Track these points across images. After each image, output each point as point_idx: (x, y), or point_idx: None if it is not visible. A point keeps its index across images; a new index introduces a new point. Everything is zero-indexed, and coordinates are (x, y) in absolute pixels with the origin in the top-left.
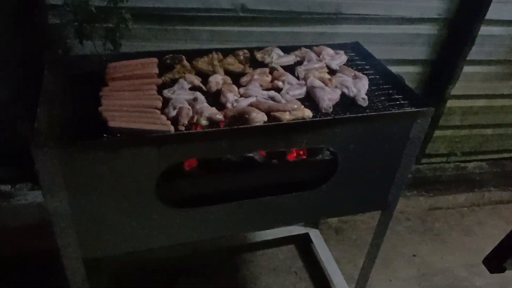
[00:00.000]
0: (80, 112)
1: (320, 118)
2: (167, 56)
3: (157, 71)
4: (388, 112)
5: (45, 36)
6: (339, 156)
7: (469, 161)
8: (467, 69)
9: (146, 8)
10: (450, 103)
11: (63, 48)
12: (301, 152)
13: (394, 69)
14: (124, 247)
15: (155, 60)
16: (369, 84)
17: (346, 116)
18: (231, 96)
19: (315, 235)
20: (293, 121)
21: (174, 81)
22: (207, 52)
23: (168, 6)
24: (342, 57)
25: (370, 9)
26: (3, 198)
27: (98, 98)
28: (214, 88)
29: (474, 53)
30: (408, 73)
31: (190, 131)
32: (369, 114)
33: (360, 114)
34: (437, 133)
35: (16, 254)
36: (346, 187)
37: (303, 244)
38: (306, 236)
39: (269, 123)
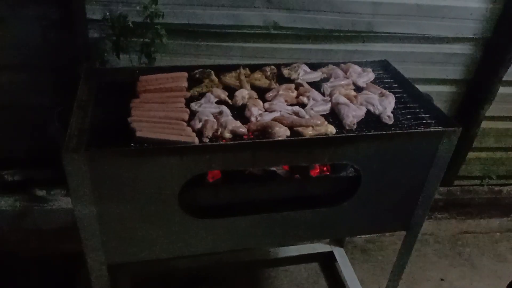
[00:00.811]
0: (111, 121)
1: (343, 135)
2: (197, 71)
3: (186, 84)
4: (413, 130)
5: (84, 48)
6: (362, 173)
7: (505, 185)
8: (502, 90)
9: (180, 24)
10: (484, 124)
11: (100, 60)
12: (325, 168)
13: (426, 88)
14: (147, 254)
15: (185, 74)
16: (395, 103)
17: (370, 133)
18: (256, 110)
19: (339, 253)
20: (315, 136)
21: (201, 95)
22: (235, 67)
23: (202, 23)
24: (370, 75)
25: (403, 27)
26: (37, 202)
27: (129, 108)
28: (239, 102)
29: (510, 74)
30: (441, 93)
31: (213, 143)
32: (393, 131)
33: (384, 132)
34: (471, 155)
35: (47, 255)
36: (368, 206)
37: (327, 263)
38: (330, 255)
39: (291, 138)
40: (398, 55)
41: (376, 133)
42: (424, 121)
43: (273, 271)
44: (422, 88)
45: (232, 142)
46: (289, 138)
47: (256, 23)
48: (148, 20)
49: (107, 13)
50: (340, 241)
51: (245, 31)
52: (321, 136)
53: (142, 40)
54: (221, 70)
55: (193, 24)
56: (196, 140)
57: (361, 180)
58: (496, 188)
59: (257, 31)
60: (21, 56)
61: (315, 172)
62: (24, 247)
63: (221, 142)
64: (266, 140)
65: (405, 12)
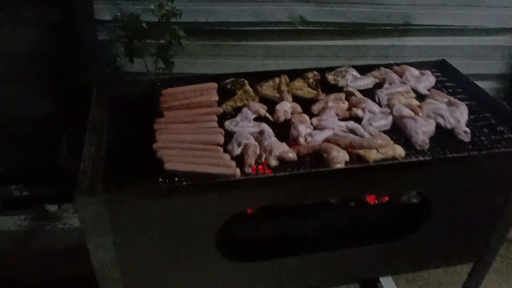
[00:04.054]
0: (131, 147)
1: (417, 159)
2: (228, 81)
3: (217, 98)
4: (500, 151)
5: (92, 53)
6: (434, 201)
7: None
8: None
9: (198, 23)
10: None
11: (111, 67)
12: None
13: None
14: None
15: (215, 85)
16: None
17: (449, 156)
18: (303, 129)
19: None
20: (383, 163)
21: (236, 110)
22: (270, 75)
23: (222, 20)
24: (430, 79)
25: (442, 19)
26: (49, 221)
27: (152, 130)
28: (282, 118)
29: None
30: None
31: (259, 176)
32: (478, 154)
33: (465, 154)
34: None
35: (57, 277)
36: (437, 237)
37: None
38: None
39: (354, 166)
40: (437, 49)
41: (457, 155)
42: (505, 136)
43: None
44: None
45: (283, 174)
46: (351, 167)
47: (281, 18)
48: (163, 19)
49: (118, 13)
50: None
51: (269, 28)
52: (389, 162)
53: (157, 42)
54: (254, 77)
55: (212, 22)
56: (238, 172)
57: (431, 208)
58: None
59: (282, 28)
60: (18, 65)
61: (371, 198)
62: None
63: (269, 175)
64: (324, 170)
65: (444, 2)
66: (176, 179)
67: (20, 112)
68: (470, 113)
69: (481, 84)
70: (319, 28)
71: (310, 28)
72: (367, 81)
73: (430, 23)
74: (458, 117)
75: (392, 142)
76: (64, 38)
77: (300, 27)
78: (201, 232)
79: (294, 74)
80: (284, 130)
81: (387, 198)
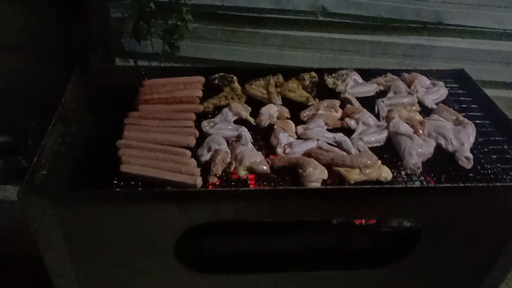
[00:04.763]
0: (99, 143)
1: (403, 186)
2: (216, 75)
3: (200, 94)
4: (500, 185)
5: (103, 31)
6: (423, 231)
7: None
8: None
9: (213, 7)
10: None
11: (117, 47)
12: None
13: (497, 93)
14: None
15: (201, 79)
16: (475, 134)
17: (441, 186)
18: (284, 138)
19: None
20: (363, 186)
21: (219, 109)
22: (267, 72)
23: (238, 5)
24: (441, 91)
25: (477, 20)
26: None
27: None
28: (266, 122)
29: None
30: None
31: (219, 189)
32: (474, 185)
33: (460, 184)
34: None
35: None
36: (425, 269)
37: None
38: None
39: (328, 187)
40: (469, 53)
41: (449, 185)
42: None
43: None
44: (492, 92)
45: (244, 188)
46: (326, 187)
47: (302, 7)
48: (173, 1)
49: None
50: None
51: (288, 16)
52: (370, 187)
53: (165, 23)
54: (249, 74)
55: (227, 7)
56: (198, 182)
57: (420, 237)
58: None
59: (302, 17)
60: (26, 39)
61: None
62: None
63: (229, 189)
64: (294, 188)
65: (482, 1)
66: (133, 183)
67: (23, 83)
68: (480, 134)
69: None
70: (342, 20)
71: (332, 20)
72: (369, 88)
73: (463, 24)
74: (463, 139)
75: (379, 162)
76: (72, 13)
77: (321, 18)
78: (158, 242)
79: (293, 74)
80: (266, 136)
81: (374, 220)
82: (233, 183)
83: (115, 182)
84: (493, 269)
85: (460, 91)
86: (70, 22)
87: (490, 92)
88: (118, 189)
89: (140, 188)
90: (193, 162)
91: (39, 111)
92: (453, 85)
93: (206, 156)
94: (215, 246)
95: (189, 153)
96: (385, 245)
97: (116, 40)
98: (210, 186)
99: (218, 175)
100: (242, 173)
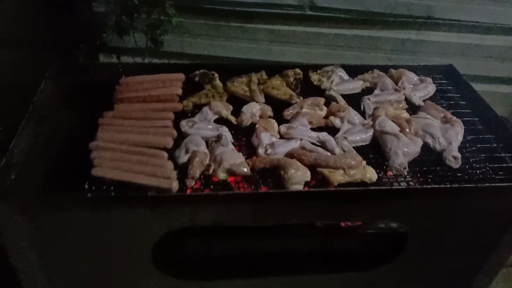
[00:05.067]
0: (72, 144)
1: (388, 187)
2: (196, 72)
3: (180, 91)
4: (489, 185)
5: (87, 25)
6: (410, 234)
7: None
8: None
9: (197, 1)
10: None
11: (99, 41)
12: None
13: (488, 88)
14: None
15: (181, 76)
16: (464, 132)
17: (427, 187)
18: (266, 138)
19: None
20: (347, 189)
21: (198, 107)
22: (254, 68)
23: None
24: (429, 88)
25: (469, 14)
26: None
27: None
28: (247, 121)
29: None
30: (509, 95)
31: (196, 193)
32: (461, 186)
33: (447, 185)
34: None
35: None
36: (412, 272)
37: None
38: None
39: (310, 190)
40: (460, 47)
41: (436, 186)
42: (504, 165)
43: None
44: (483, 87)
45: (224, 192)
46: (308, 190)
47: (289, 1)
48: None
49: None
50: None
51: (275, 10)
52: (354, 189)
53: (148, 18)
54: (236, 70)
55: (212, 1)
56: (174, 186)
57: (407, 240)
58: None
59: (289, 11)
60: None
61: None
62: None
63: (207, 193)
64: (274, 191)
65: None
66: (105, 187)
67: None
68: (468, 132)
69: (505, 89)
70: (330, 14)
71: (320, 14)
72: (355, 85)
73: (455, 18)
74: (451, 137)
75: (364, 163)
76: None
77: (309, 12)
78: (134, 247)
79: (278, 70)
80: (249, 136)
81: (360, 222)
82: (211, 186)
83: (86, 186)
84: (482, 271)
85: (448, 88)
86: (52, 16)
87: (481, 87)
88: (89, 194)
89: (112, 193)
90: (170, 164)
91: (17, 108)
92: (441, 81)
93: (183, 158)
94: (195, 251)
95: (165, 155)
96: (373, 247)
97: (98, 35)
98: (188, 190)
99: (196, 178)
100: (221, 175)
